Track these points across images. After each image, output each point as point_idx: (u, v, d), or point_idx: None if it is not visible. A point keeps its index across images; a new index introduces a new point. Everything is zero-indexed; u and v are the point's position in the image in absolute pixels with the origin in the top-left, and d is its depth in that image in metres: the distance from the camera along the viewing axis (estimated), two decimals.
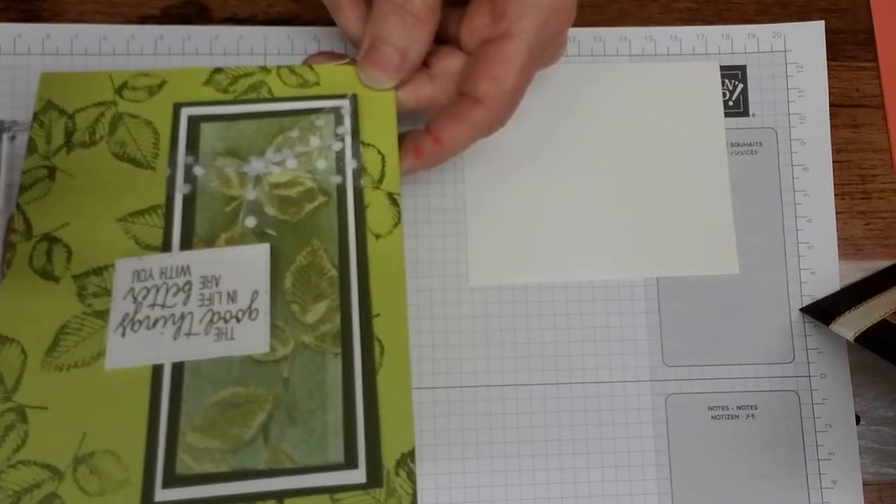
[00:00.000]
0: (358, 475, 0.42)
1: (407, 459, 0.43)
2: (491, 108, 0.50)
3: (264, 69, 0.51)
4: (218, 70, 0.51)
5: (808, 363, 0.59)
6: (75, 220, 0.47)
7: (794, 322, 0.59)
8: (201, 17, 0.60)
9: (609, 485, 0.57)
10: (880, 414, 0.58)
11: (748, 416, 0.58)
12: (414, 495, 0.42)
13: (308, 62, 0.53)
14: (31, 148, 0.49)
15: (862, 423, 0.58)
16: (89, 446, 0.42)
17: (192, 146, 0.49)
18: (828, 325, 0.56)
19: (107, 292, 0.46)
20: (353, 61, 0.51)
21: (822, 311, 0.58)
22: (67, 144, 0.49)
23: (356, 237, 0.47)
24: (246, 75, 0.51)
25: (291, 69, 0.52)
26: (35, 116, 0.49)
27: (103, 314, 0.45)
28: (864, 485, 0.57)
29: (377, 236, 0.47)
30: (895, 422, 0.58)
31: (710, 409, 0.58)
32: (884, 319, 0.54)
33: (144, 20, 0.60)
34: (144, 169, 0.49)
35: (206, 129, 0.50)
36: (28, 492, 0.41)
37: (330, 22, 0.55)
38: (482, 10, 0.51)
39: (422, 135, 0.51)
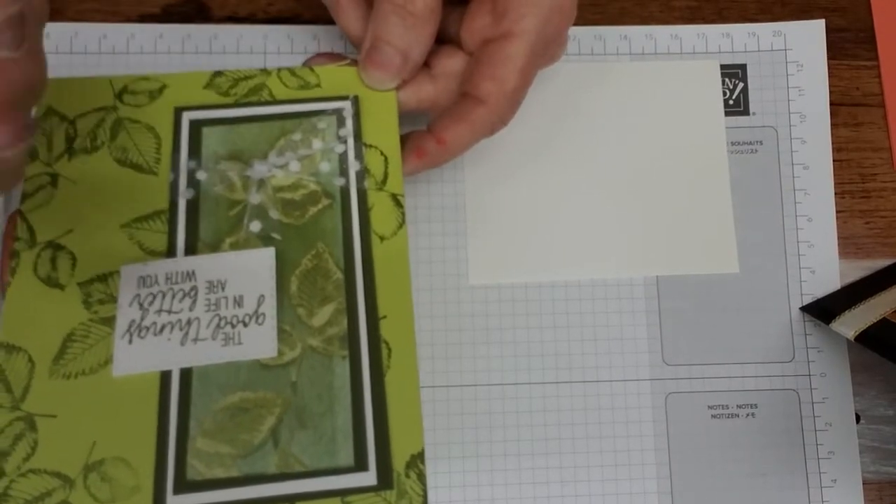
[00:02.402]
0: (368, 478, 0.43)
1: (417, 461, 0.43)
2: (493, 108, 0.50)
3: (265, 71, 0.51)
4: (218, 73, 0.51)
5: (809, 362, 0.59)
6: (79, 226, 0.47)
7: (795, 321, 0.59)
8: (201, 15, 0.60)
9: (609, 483, 0.57)
10: (880, 413, 0.59)
11: (748, 414, 0.58)
12: (424, 496, 0.42)
13: (308, 64, 0.52)
14: (33, 155, 0.48)
15: (862, 421, 0.58)
16: (99, 453, 0.42)
17: (195, 150, 0.49)
18: (828, 323, 0.57)
19: (112, 299, 0.45)
20: (353, 62, 0.51)
21: (823, 310, 0.58)
22: (69, 151, 0.49)
23: (361, 239, 0.47)
24: (246, 78, 0.51)
25: (292, 71, 0.51)
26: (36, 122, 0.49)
27: (110, 321, 0.45)
28: (864, 484, 0.58)
29: (382, 238, 0.47)
30: (895, 420, 0.58)
31: (710, 407, 0.58)
32: (884, 318, 0.54)
33: (144, 19, 0.60)
34: (147, 174, 0.48)
35: (208, 133, 0.50)
36: (39, 500, 0.41)
37: (330, 21, 0.55)
38: (483, 10, 0.51)
39: (424, 135, 0.51)
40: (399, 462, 0.43)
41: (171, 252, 0.47)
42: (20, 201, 0.47)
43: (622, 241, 0.60)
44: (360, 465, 0.43)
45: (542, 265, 0.59)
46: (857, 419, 0.58)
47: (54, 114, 0.49)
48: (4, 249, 0.50)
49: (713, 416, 0.58)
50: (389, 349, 0.45)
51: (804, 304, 0.60)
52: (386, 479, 0.43)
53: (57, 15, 0.59)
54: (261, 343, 0.45)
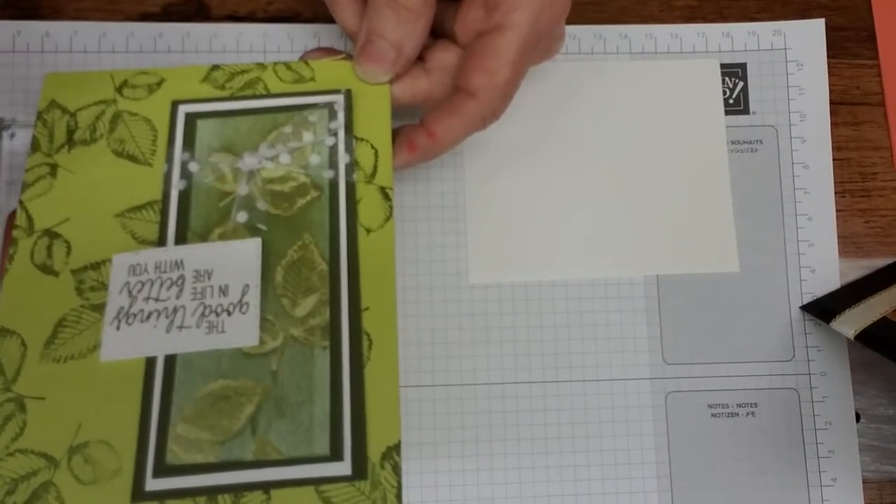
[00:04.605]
0: (343, 467, 0.43)
1: (392, 453, 0.43)
2: (484, 101, 0.50)
3: (261, 65, 0.52)
4: (215, 67, 0.52)
5: (809, 361, 0.59)
6: (75, 215, 0.48)
7: (795, 320, 0.59)
8: (201, 14, 0.61)
9: (609, 482, 0.57)
10: (880, 412, 0.58)
11: (748, 413, 0.58)
12: (398, 488, 0.42)
13: (305, 58, 0.53)
14: (35, 146, 0.50)
15: (862, 420, 0.58)
16: (84, 436, 0.43)
17: (189, 143, 0.50)
18: (828, 322, 0.56)
19: (104, 286, 0.46)
20: (348, 57, 0.52)
21: (823, 309, 0.58)
22: (69, 142, 0.50)
23: (347, 231, 0.48)
24: (242, 72, 0.52)
25: (287, 65, 0.52)
26: (39, 115, 0.50)
27: (100, 307, 0.46)
28: (864, 482, 0.57)
29: (368, 230, 0.48)
30: (895, 419, 0.58)
31: (710, 406, 0.58)
32: (884, 317, 0.53)
33: (144, 17, 0.60)
34: (142, 165, 0.49)
35: (203, 126, 0.50)
36: (25, 480, 0.42)
37: (330, 19, 0.55)
38: (476, 3, 0.51)
39: (416, 129, 0.51)
40: (375, 453, 0.43)
41: (161, 241, 0.47)
42: (21, 191, 0.48)
43: (622, 240, 0.60)
44: (335, 455, 0.43)
45: (541, 264, 0.59)
46: (857, 418, 0.58)
47: (56, 107, 0.51)
48: (5, 246, 0.51)
49: (713, 415, 0.58)
50: (370, 341, 0.45)
51: (804, 303, 0.59)
52: (360, 469, 0.43)
53: (56, 14, 0.60)
54: (243, 332, 0.45)
